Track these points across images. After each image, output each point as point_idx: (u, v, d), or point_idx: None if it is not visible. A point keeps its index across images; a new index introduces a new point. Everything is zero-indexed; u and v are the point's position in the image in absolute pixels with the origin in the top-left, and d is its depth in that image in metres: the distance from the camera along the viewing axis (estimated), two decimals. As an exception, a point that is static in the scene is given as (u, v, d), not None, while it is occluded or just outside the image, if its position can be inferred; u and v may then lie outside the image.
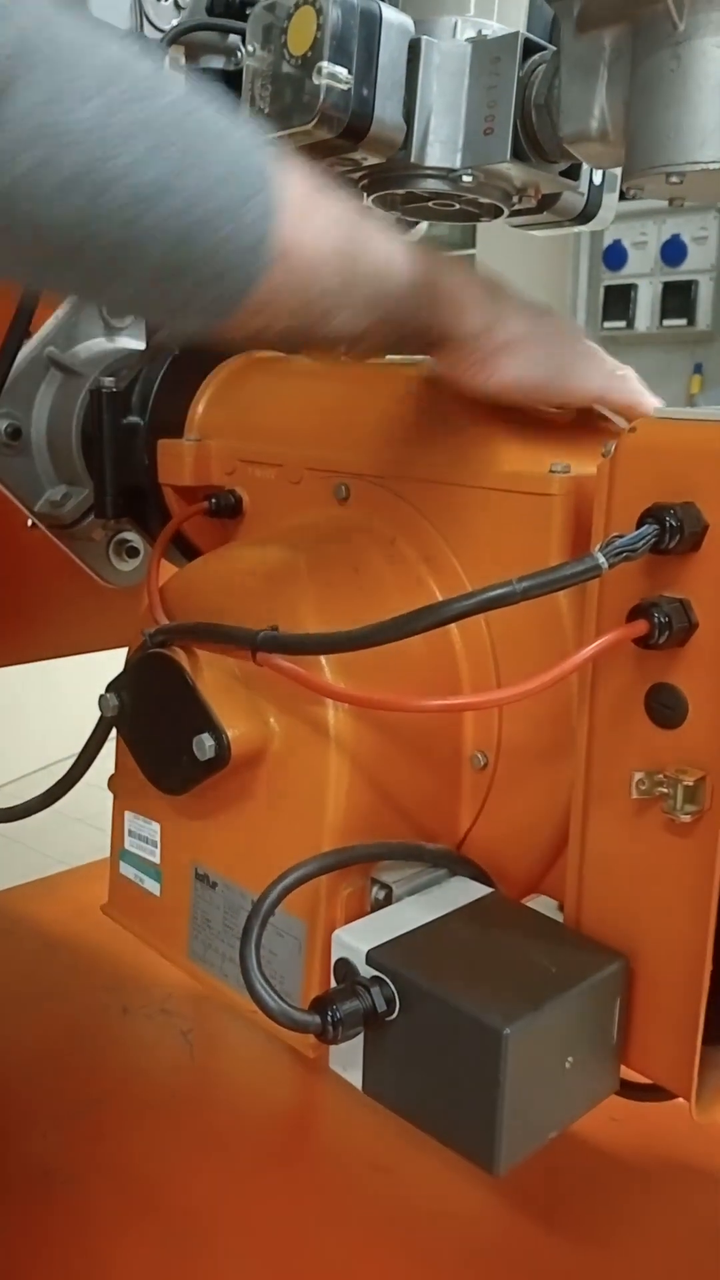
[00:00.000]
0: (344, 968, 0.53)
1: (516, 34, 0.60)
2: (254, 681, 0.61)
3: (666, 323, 2.97)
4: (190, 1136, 0.76)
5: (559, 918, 0.57)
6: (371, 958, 0.51)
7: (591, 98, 0.56)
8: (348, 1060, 0.53)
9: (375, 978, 0.51)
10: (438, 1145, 0.50)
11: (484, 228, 0.69)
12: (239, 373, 0.85)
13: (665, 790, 0.49)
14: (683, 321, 2.95)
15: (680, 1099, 0.52)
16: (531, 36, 0.60)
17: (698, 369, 2.99)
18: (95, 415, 0.85)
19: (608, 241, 3.01)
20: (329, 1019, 0.49)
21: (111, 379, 0.86)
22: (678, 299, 2.94)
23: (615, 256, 3.03)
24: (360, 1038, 0.52)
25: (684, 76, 0.51)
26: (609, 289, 3.06)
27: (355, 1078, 0.53)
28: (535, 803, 0.61)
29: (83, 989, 0.91)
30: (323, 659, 0.58)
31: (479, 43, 0.61)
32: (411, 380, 0.73)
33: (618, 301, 3.04)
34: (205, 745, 0.59)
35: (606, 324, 3.08)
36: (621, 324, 3.04)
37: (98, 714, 0.68)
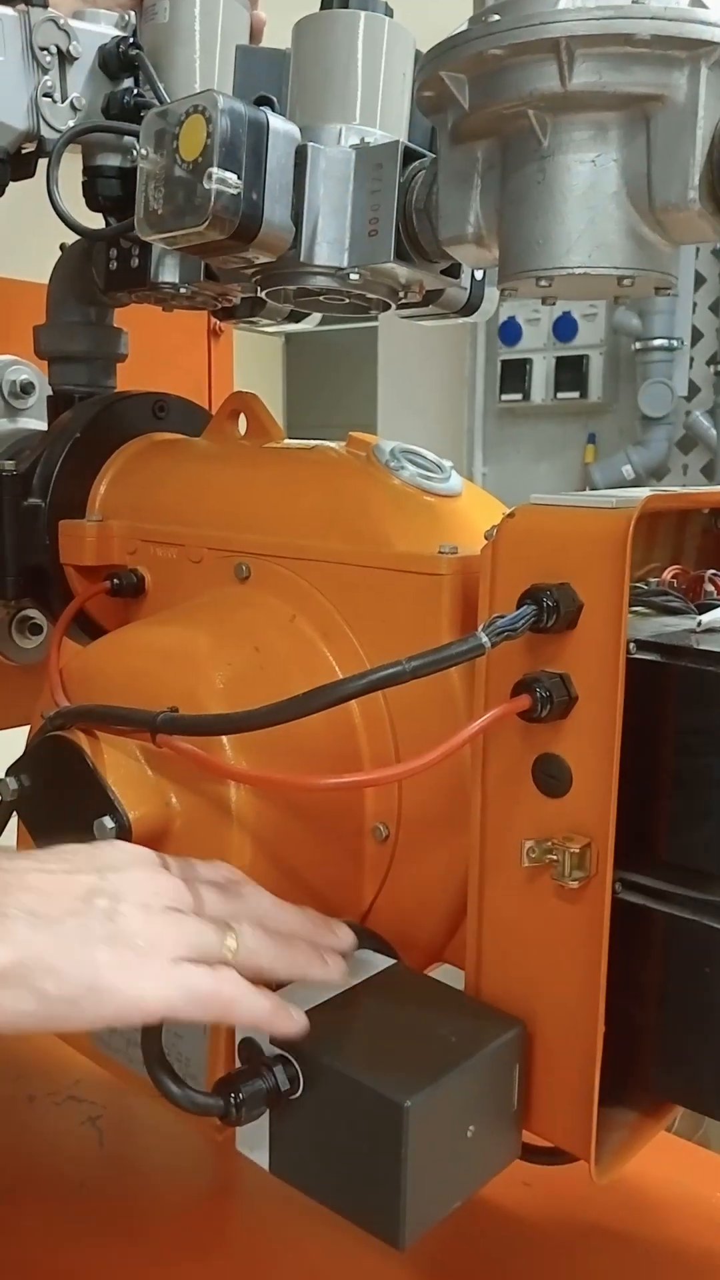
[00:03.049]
0: (248, 1047, 0.53)
1: (397, 142, 0.63)
2: (155, 762, 0.62)
3: (560, 395, 3.09)
4: (101, 1226, 0.74)
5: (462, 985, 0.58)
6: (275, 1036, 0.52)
7: (467, 205, 0.59)
8: (254, 1141, 0.53)
9: (279, 1056, 0.51)
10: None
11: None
12: (141, 454, 0.86)
13: (554, 858, 0.51)
14: (575, 394, 3.07)
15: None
16: (411, 145, 0.64)
17: (591, 439, 3.11)
18: (-4, 497, 0.86)
19: (503, 318, 3.13)
20: (232, 1101, 0.49)
21: (12, 462, 0.87)
22: (570, 373, 3.06)
23: (510, 333, 3.15)
24: (266, 1118, 0.52)
25: (549, 188, 0.55)
26: (505, 363, 3.17)
27: (262, 1159, 0.53)
28: (436, 872, 0.63)
29: (-14, 1080, 0.88)
30: (223, 739, 0.59)
31: (362, 150, 0.64)
32: (308, 462, 0.75)
33: (514, 375, 3.15)
34: (107, 828, 0.59)
35: (504, 396, 3.19)
36: (518, 396, 3.16)
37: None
